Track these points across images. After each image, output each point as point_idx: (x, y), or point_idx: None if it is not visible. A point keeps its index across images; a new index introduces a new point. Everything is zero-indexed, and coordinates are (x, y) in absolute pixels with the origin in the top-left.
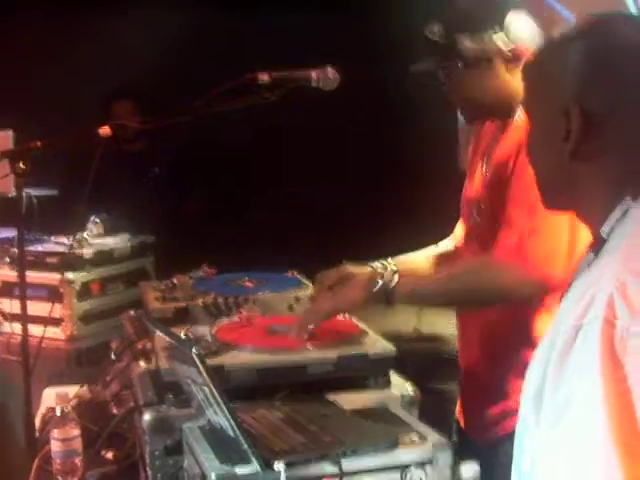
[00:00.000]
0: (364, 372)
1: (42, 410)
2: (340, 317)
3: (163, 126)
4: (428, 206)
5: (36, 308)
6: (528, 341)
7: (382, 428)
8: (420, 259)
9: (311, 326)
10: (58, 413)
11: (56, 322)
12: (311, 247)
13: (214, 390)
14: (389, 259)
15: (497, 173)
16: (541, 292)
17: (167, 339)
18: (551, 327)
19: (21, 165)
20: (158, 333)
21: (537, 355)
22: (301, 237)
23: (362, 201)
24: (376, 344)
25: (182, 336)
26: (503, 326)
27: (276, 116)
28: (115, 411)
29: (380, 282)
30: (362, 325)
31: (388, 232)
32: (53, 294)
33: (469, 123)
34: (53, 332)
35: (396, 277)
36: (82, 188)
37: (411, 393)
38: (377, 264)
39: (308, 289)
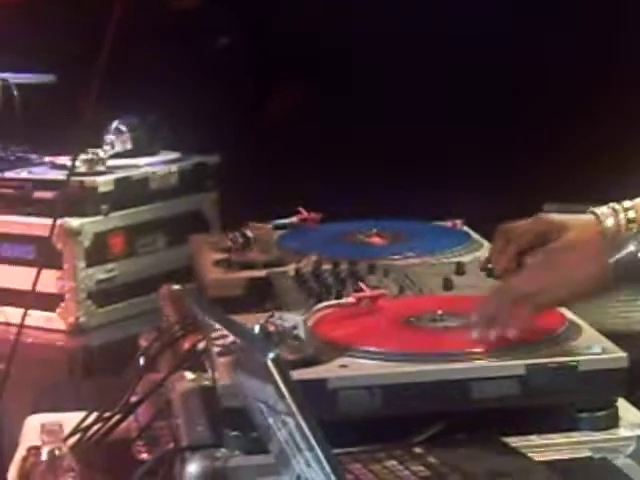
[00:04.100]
0: (572, 397)
1: (21, 452)
2: None
3: None
4: None
5: (14, 276)
6: None
7: None
8: None
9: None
10: (45, 457)
11: (49, 302)
12: (486, 181)
13: (306, 425)
14: (625, 202)
15: None
16: None
17: (230, 335)
18: None
19: None
20: (215, 324)
21: None
22: (466, 164)
23: (576, 109)
24: (595, 349)
25: (256, 330)
26: None
27: None
28: (144, 456)
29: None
30: (571, 315)
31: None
32: (44, 253)
33: None
34: (44, 318)
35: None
36: (93, 71)
37: None
38: (603, 209)
39: (482, 250)
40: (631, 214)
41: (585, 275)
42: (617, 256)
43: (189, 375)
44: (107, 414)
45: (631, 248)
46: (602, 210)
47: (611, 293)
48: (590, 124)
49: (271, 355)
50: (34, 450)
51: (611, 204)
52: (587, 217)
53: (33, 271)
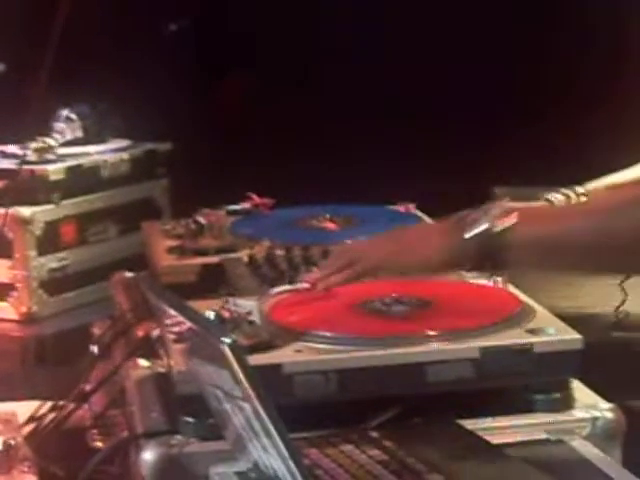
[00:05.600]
0: (527, 379)
1: None
2: (486, 283)
3: None
4: None
5: None
6: None
7: None
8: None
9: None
10: (0, 447)
11: (1, 291)
12: (438, 164)
13: (263, 410)
14: (578, 188)
15: None
16: None
17: (186, 321)
18: None
19: None
20: (170, 311)
21: None
22: (418, 148)
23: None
24: (550, 331)
25: (210, 316)
26: None
27: None
28: (98, 444)
29: (484, 221)
30: (525, 297)
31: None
32: None
33: None
34: None
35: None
36: (43, 59)
37: (610, 418)
38: (557, 196)
39: None
40: (584, 199)
41: (431, 249)
42: (472, 232)
43: (143, 362)
44: (61, 403)
45: (485, 224)
46: (555, 197)
47: (463, 268)
48: (543, 107)
49: (228, 340)
50: None
51: (563, 190)
52: (541, 205)
53: None
